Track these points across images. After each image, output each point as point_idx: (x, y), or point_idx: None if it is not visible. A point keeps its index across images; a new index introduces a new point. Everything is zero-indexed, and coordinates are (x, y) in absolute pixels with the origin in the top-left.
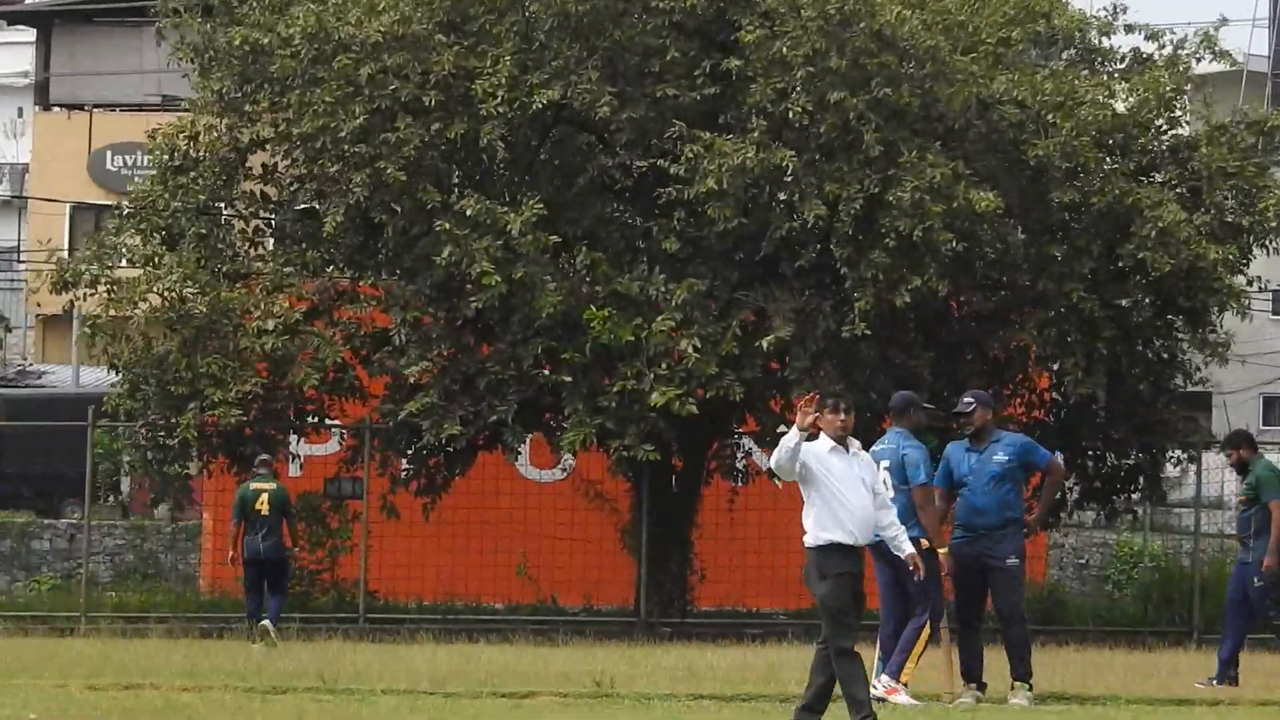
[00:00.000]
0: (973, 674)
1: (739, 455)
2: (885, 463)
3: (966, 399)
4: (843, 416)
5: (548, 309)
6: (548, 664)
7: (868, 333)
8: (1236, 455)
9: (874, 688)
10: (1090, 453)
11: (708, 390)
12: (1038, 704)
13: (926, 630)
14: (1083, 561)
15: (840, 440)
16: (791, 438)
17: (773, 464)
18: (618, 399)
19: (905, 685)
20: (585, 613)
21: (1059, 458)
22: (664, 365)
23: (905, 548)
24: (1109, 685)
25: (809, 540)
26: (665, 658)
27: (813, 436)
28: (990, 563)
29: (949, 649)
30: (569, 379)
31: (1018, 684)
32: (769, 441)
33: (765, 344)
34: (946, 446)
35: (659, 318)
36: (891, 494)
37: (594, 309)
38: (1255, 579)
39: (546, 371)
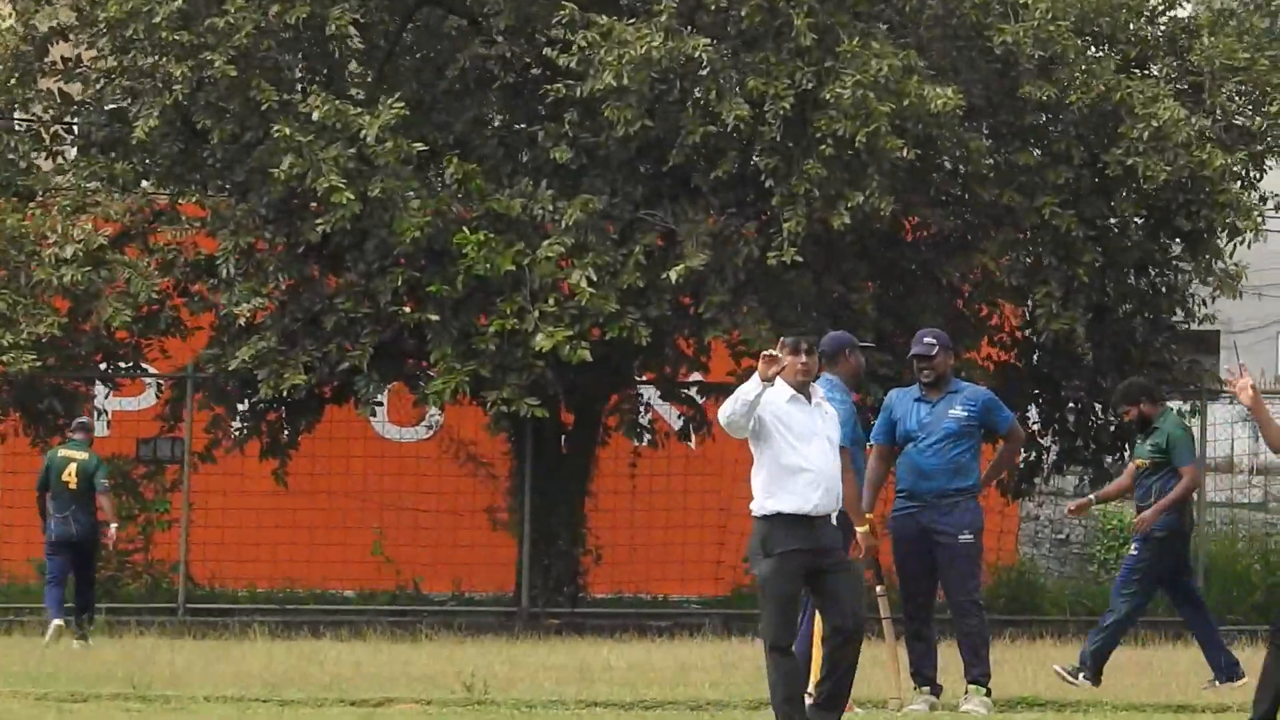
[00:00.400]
0: (924, 675)
1: (643, 410)
2: None
3: (928, 339)
4: (804, 359)
5: (411, 233)
6: (408, 665)
7: (799, 260)
8: (1136, 411)
9: None
10: (1071, 404)
11: (605, 331)
12: (1001, 710)
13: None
14: (1061, 536)
15: (801, 388)
16: (750, 389)
17: (722, 420)
18: (495, 342)
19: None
20: (454, 601)
21: (1021, 429)
22: (551, 301)
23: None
24: (1092, 688)
25: (755, 508)
26: (552, 656)
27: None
28: (939, 539)
29: (894, 645)
30: (436, 317)
31: (972, 687)
32: (681, 396)
33: (675, 275)
34: (889, 394)
35: (545, 243)
36: None
37: (467, 232)
38: (1132, 544)
39: (408, 309)
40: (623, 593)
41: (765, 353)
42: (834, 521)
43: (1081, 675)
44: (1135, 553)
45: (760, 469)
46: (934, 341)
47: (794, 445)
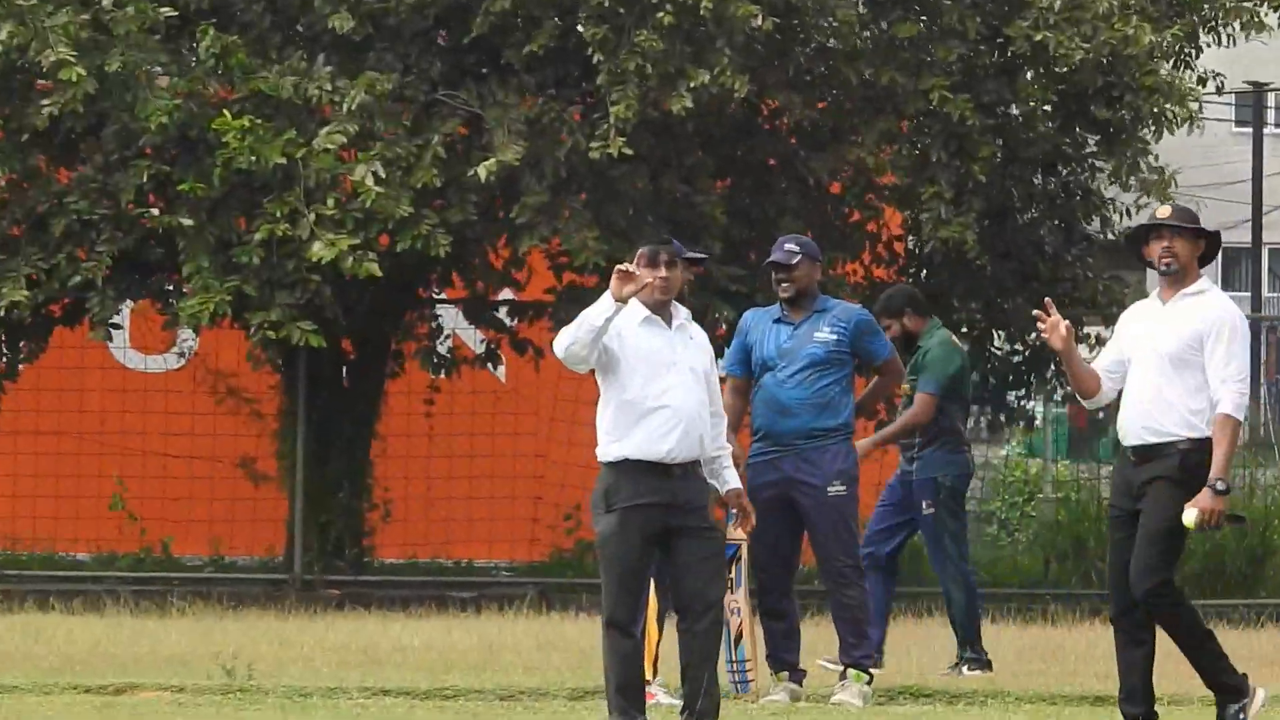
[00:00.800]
0: (784, 659)
1: (443, 335)
2: None
3: (789, 245)
4: (664, 273)
5: (158, 118)
6: (156, 644)
7: (629, 152)
8: (899, 326)
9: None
10: (966, 330)
11: (397, 240)
12: (879, 702)
13: (652, 603)
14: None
15: (660, 308)
16: (597, 311)
17: (560, 350)
18: (261, 252)
19: (654, 680)
20: (212, 568)
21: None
22: (331, 202)
23: (729, 481)
24: (990, 675)
25: (599, 454)
26: (331, 634)
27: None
28: (804, 491)
29: (750, 623)
30: (189, 221)
31: (852, 672)
32: (489, 319)
33: (483, 171)
34: (743, 315)
35: (323, 131)
36: None
37: (227, 117)
38: (924, 502)
39: (156, 210)
40: (417, 557)
41: (619, 267)
42: (699, 473)
43: (967, 667)
44: (929, 511)
45: (606, 406)
46: (796, 249)
47: (646, 377)
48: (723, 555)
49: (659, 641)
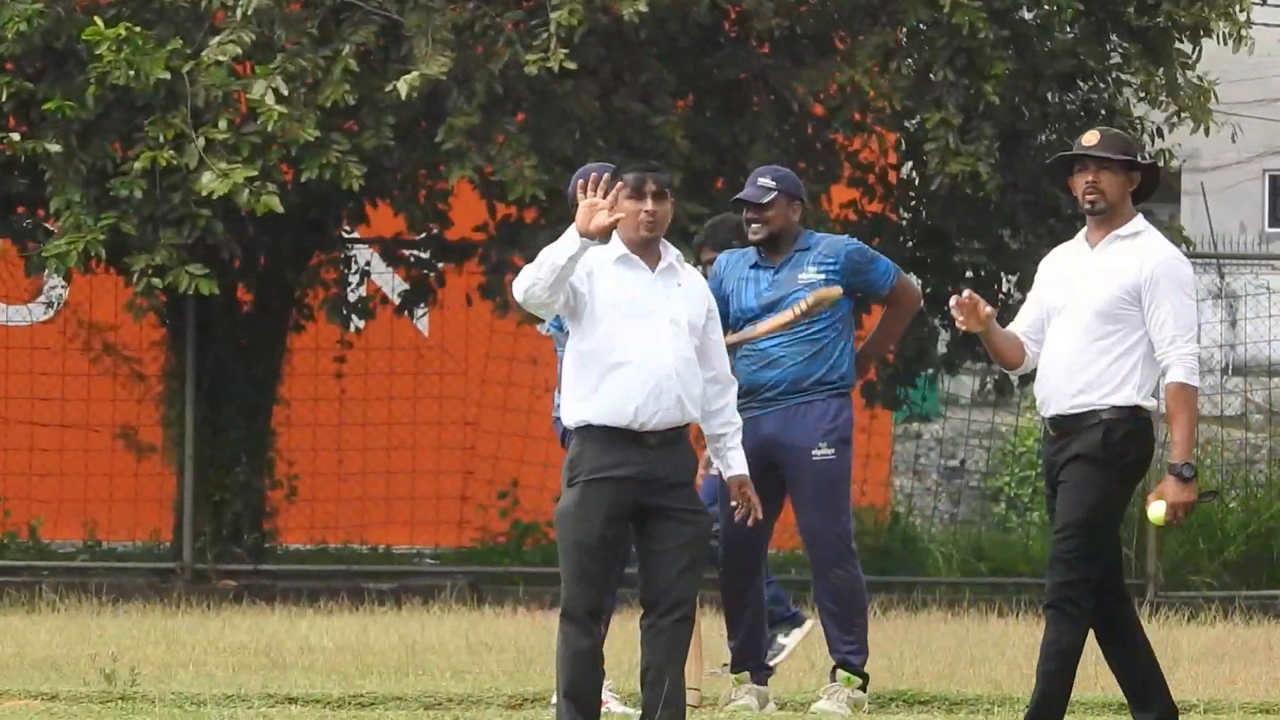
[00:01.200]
0: (748, 652)
1: (356, 281)
2: None
3: (764, 179)
4: (651, 205)
5: (16, 25)
6: (23, 644)
7: (573, 66)
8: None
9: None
10: (969, 274)
11: (302, 169)
12: (873, 709)
13: None
14: (954, 463)
15: (644, 247)
16: (561, 250)
17: (520, 293)
18: (143, 184)
19: (605, 685)
20: (87, 555)
21: (914, 281)
22: (224, 125)
23: (733, 465)
24: (998, 677)
25: (564, 418)
26: (227, 632)
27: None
28: (786, 455)
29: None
30: (56, 148)
31: (842, 674)
32: (411, 260)
33: (403, 87)
34: (717, 260)
35: (214, 41)
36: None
37: (99, 25)
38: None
39: (16, 135)
40: (327, 543)
41: (586, 200)
42: (684, 444)
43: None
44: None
45: (569, 361)
46: (771, 184)
47: (614, 328)
48: (703, 544)
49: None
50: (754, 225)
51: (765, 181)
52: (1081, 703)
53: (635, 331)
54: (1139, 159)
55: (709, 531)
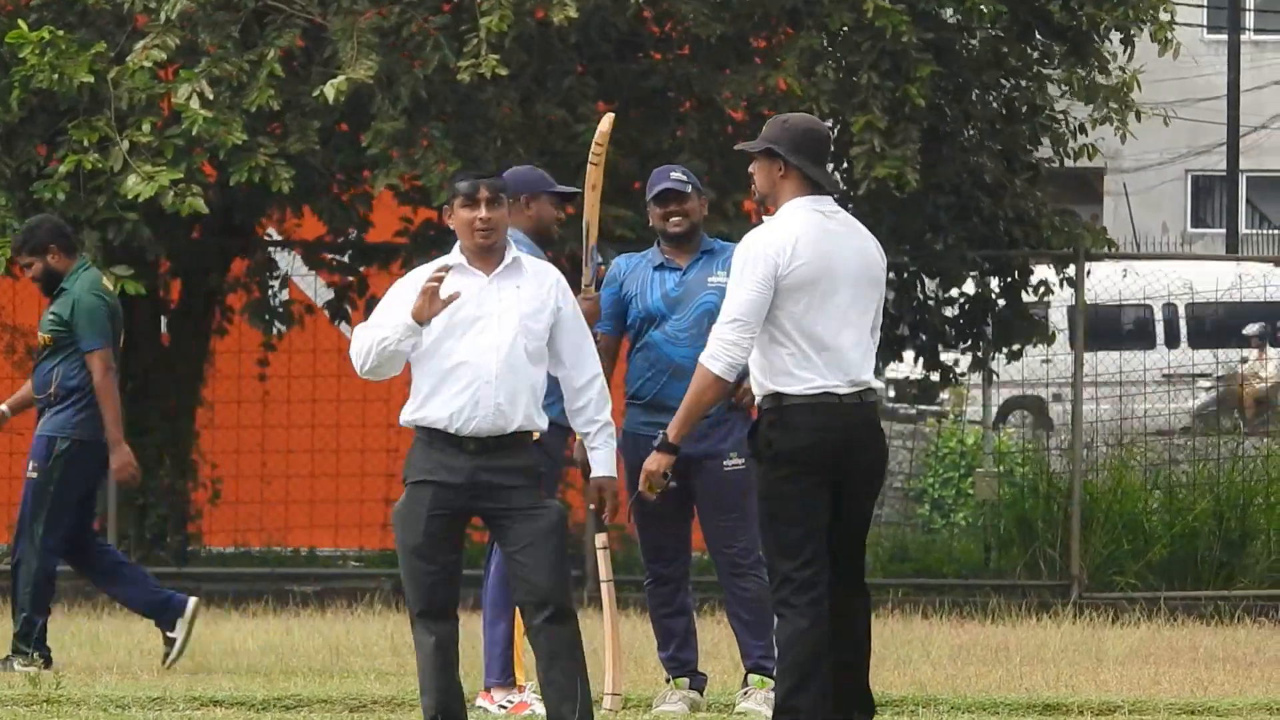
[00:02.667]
0: (681, 660)
1: (279, 284)
2: None
3: (675, 173)
4: (483, 212)
5: None
6: None
7: (500, 73)
8: (42, 265)
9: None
10: (893, 275)
11: (231, 172)
12: None
13: None
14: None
15: (481, 254)
16: (394, 336)
17: (359, 370)
18: (67, 186)
19: (526, 686)
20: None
21: None
22: (148, 128)
23: (596, 465)
24: (922, 679)
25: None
26: (151, 636)
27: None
28: (697, 467)
29: (613, 620)
30: None
31: (754, 678)
32: (336, 265)
33: (330, 91)
34: (614, 262)
35: (139, 45)
36: None
37: (23, 28)
38: (32, 464)
39: None
40: (251, 545)
41: (428, 282)
42: (517, 450)
43: (20, 661)
44: (35, 475)
45: (412, 365)
46: (685, 177)
47: (443, 334)
48: (557, 537)
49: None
50: (675, 219)
51: (679, 175)
52: (1005, 704)
53: (462, 338)
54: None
55: (559, 522)
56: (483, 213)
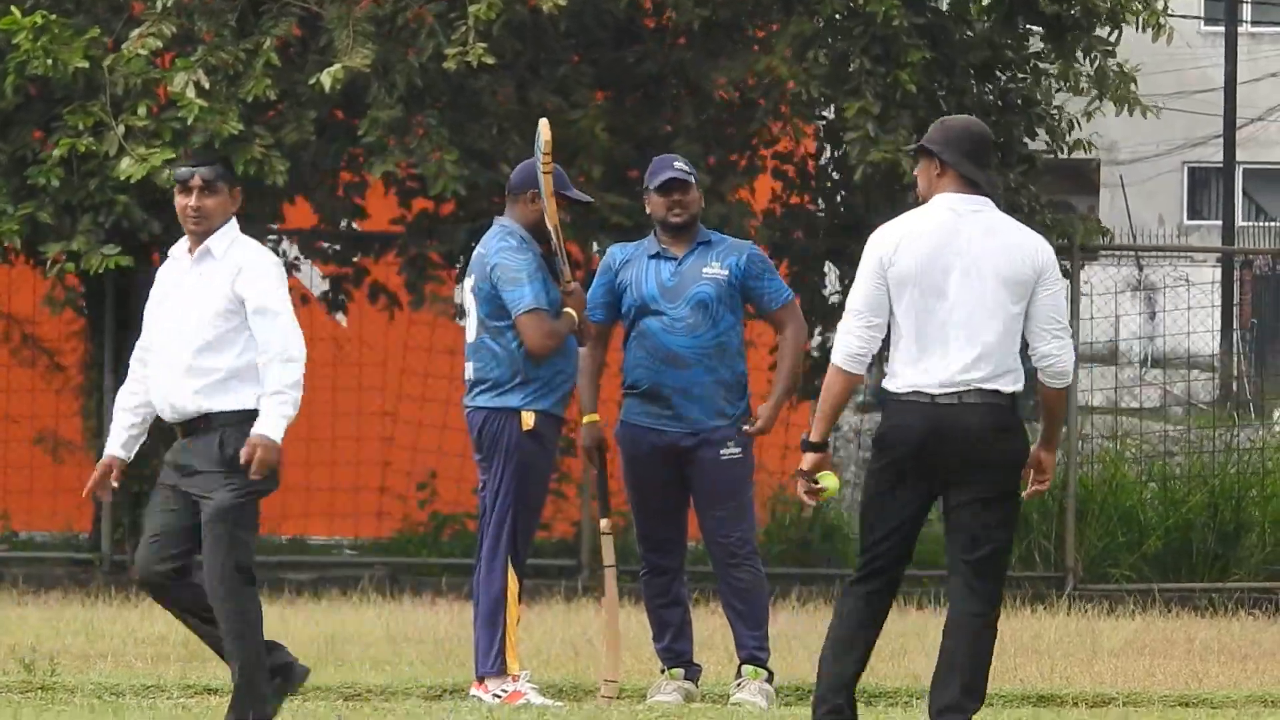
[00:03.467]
0: (676, 651)
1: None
2: (470, 281)
3: (678, 163)
4: (194, 200)
5: None
6: None
7: (490, 62)
8: None
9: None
10: None
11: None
12: (786, 702)
13: (513, 582)
14: (868, 455)
15: (194, 240)
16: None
17: None
18: (61, 172)
19: (521, 675)
20: (5, 546)
21: (796, 302)
22: (143, 111)
23: (266, 426)
24: (912, 670)
25: None
26: (146, 623)
27: None
28: (692, 456)
29: (614, 605)
30: None
31: (748, 669)
32: (332, 254)
33: (327, 80)
34: (609, 251)
35: (134, 33)
36: (474, 335)
37: (16, 14)
38: None
39: None
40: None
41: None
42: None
43: None
44: None
45: None
46: (686, 168)
47: (148, 323)
48: (224, 521)
49: (519, 622)
50: (676, 210)
51: (681, 165)
52: (1000, 695)
53: (156, 325)
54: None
55: (226, 506)
56: (193, 200)
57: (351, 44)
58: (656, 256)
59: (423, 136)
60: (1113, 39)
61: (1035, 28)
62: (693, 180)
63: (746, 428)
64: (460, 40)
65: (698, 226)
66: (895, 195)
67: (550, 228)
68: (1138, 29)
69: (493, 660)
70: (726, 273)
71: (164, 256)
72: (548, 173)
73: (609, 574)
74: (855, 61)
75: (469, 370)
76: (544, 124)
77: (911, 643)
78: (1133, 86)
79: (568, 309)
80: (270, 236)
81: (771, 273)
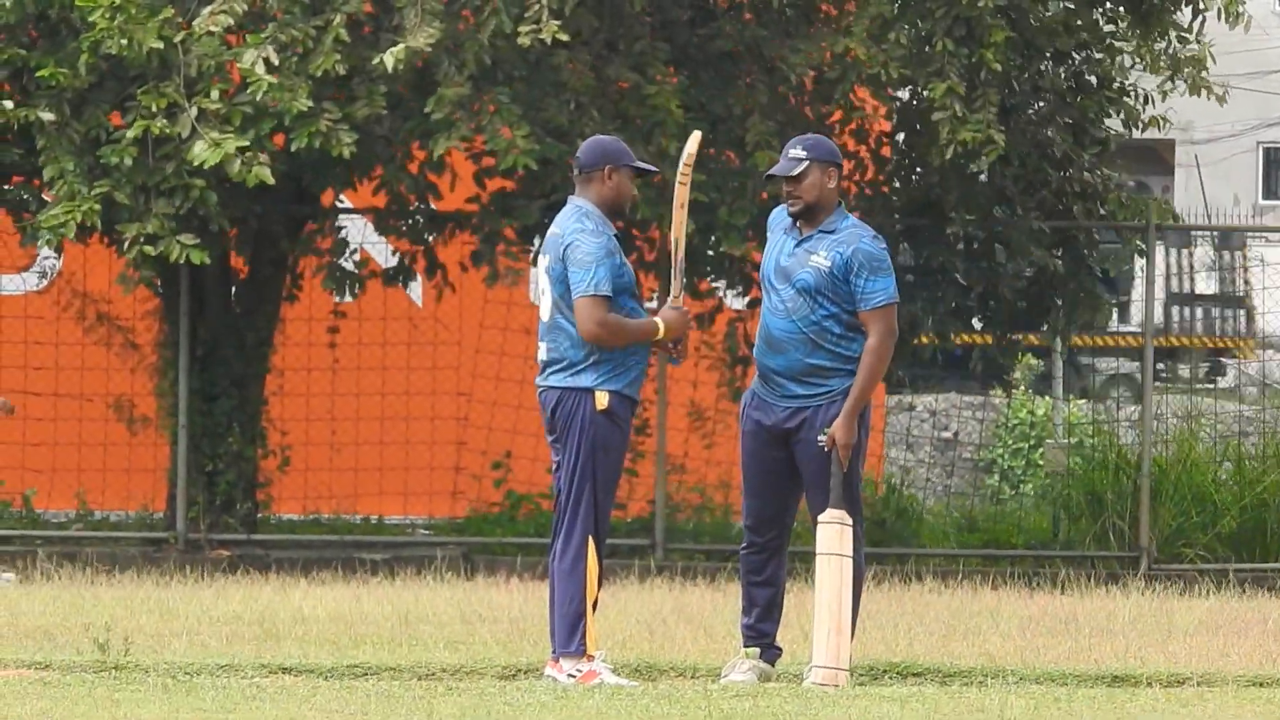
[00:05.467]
0: (761, 631)
1: (348, 250)
2: (545, 261)
3: (793, 151)
4: None
5: None
6: (16, 614)
7: (564, 38)
8: None
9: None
10: (961, 247)
11: (294, 139)
12: (860, 682)
13: (591, 562)
14: (947, 435)
15: None
16: None
17: None
18: (135, 151)
19: (596, 655)
20: (81, 525)
21: (889, 309)
22: (216, 95)
23: None
24: (991, 650)
25: None
26: (220, 602)
27: None
28: (795, 442)
29: (837, 591)
30: (50, 116)
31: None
32: (404, 228)
33: (389, 59)
34: (775, 210)
35: (207, 10)
36: (548, 315)
37: None
38: None
39: (10, 103)
40: (320, 513)
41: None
42: None
43: None
44: None
45: None
46: (802, 154)
47: None
48: None
49: (595, 602)
50: (791, 199)
51: (796, 152)
52: (1074, 675)
53: None
54: None
55: None
56: None
57: (419, 22)
58: (789, 233)
59: (494, 113)
60: (1192, 26)
61: (1115, 6)
62: (800, 170)
63: (820, 438)
64: (534, 17)
65: (828, 207)
66: (966, 177)
67: (674, 240)
68: (1217, 17)
69: (568, 640)
70: (830, 264)
71: (240, 245)
72: (684, 184)
73: (836, 562)
74: (938, 43)
75: (542, 350)
76: (695, 136)
77: (985, 622)
78: (1205, 73)
79: (658, 319)
80: (341, 216)
81: (874, 273)
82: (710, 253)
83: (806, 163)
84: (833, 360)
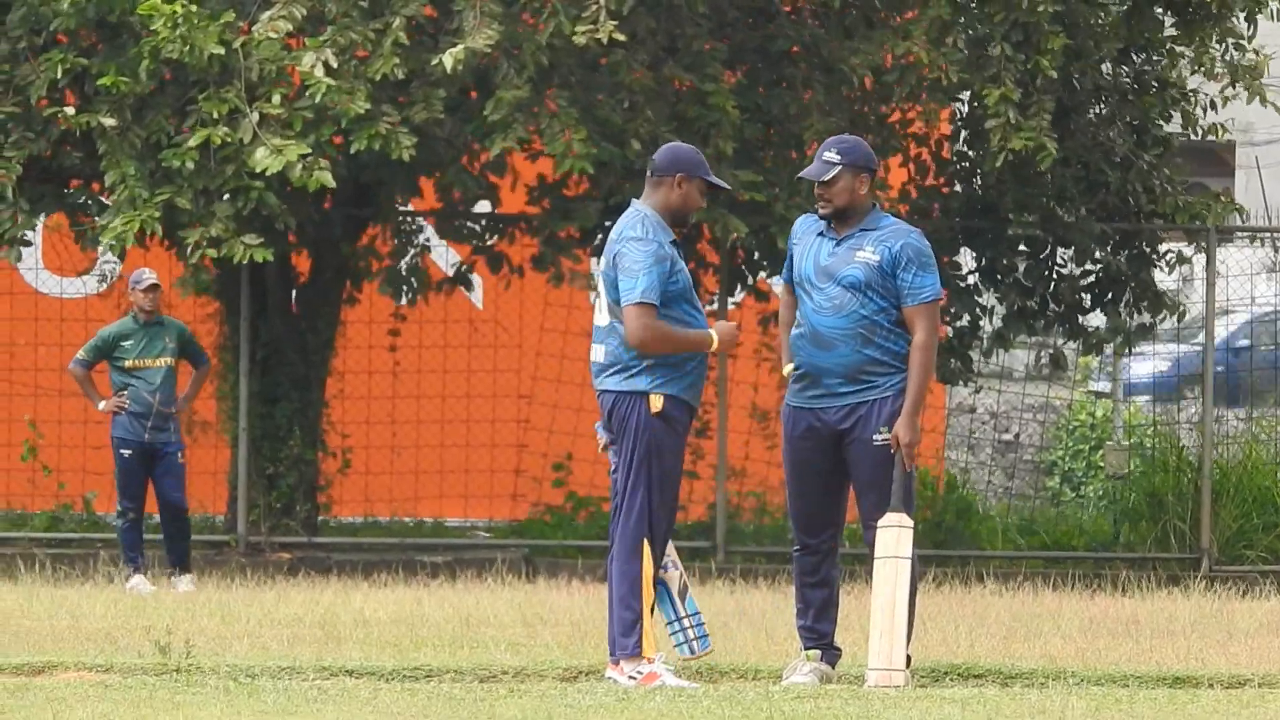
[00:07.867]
0: (819, 632)
1: (411, 252)
2: (602, 265)
3: (827, 154)
4: None
5: None
6: (78, 616)
7: (620, 38)
8: None
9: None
10: (1023, 247)
11: (354, 142)
12: (921, 683)
13: (648, 564)
14: (1008, 437)
15: None
16: None
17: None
18: (196, 155)
19: (656, 658)
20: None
21: (934, 304)
22: (276, 99)
23: None
24: (1052, 651)
25: None
26: (281, 605)
27: None
28: (848, 441)
29: (892, 593)
30: (111, 122)
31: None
32: (464, 231)
33: (448, 60)
34: (798, 219)
35: (266, 15)
36: (604, 319)
37: None
38: None
39: (72, 109)
40: (381, 516)
41: None
42: None
43: None
44: None
45: None
46: (836, 158)
47: None
48: None
49: (654, 604)
50: (822, 202)
51: (830, 155)
52: (1135, 676)
53: None
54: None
55: None
56: None
57: (478, 23)
58: (824, 235)
59: (555, 116)
60: (1248, 31)
61: (1165, 12)
62: (832, 175)
63: (877, 438)
64: (591, 18)
65: (861, 209)
66: (1026, 178)
67: None
68: (1271, 17)
69: (628, 643)
70: (879, 258)
71: (300, 247)
72: None
73: (893, 565)
74: (996, 47)
75: (599, 353)
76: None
77: (1046, 624)
78: (1262, 81)
79: (713, 331)
80: (403, 218)
81: (921, 267)
82: (759, 257)
83: (838, 168)
84: (884, 355)
